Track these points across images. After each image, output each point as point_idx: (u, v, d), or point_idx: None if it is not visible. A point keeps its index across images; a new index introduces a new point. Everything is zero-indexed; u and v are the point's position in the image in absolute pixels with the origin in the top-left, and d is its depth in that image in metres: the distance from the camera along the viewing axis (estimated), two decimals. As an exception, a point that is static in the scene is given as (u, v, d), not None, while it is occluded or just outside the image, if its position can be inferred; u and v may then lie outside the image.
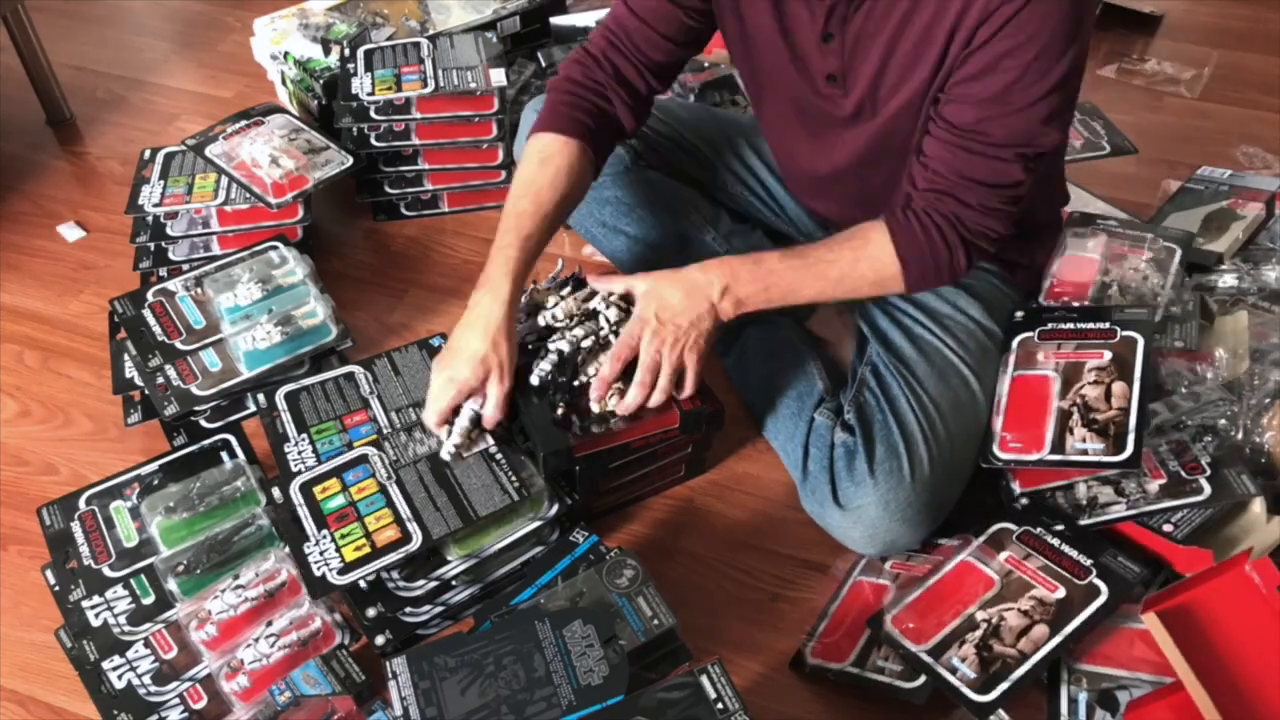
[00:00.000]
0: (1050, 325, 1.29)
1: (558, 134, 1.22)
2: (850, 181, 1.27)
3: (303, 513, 1.16)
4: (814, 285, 1.17)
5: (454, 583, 1.17)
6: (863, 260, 1.16)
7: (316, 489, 1.18)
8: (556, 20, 1.95)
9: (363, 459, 1.20)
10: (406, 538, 1.13)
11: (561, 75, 1.28)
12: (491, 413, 1.17)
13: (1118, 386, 1.20)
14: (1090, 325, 1.27)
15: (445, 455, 1.18)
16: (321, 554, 1.12)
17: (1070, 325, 1.28)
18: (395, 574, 1.15)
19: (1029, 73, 1.03)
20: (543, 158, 1.22)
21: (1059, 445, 1.18)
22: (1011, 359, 1.28)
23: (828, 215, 1.39)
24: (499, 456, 1.19)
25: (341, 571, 1.11)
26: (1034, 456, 1.19)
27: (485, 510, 1.14)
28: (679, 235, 1.38)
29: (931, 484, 1.18)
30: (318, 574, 1.11)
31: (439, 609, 1.17)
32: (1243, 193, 1.60)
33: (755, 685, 1.16)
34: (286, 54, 1.86)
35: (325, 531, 1.14)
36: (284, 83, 1.92)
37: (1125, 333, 1.25)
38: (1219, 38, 2.15)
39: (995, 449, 1.22)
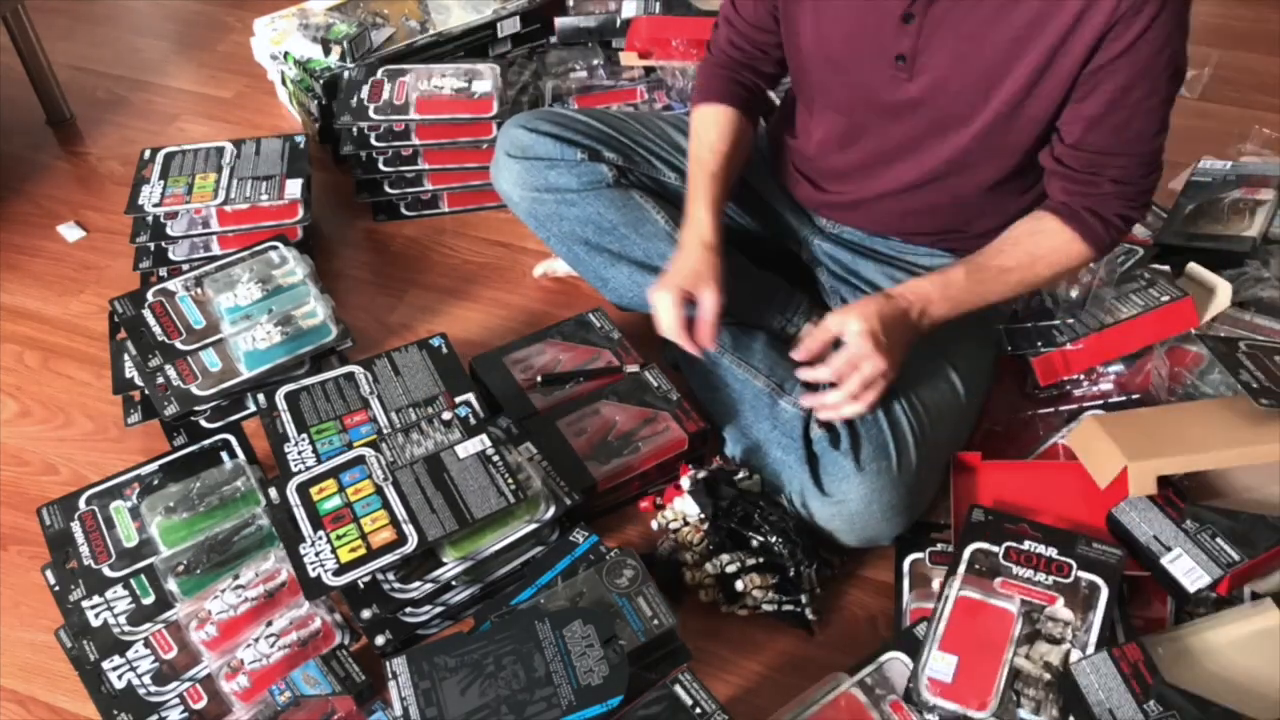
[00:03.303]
0: (1011, 543, 1.15)
1: (713, 103, 1.33)
2: (902, 196, 1.28)
3: (299, 513, 1.16)
4: (997, 293, 1.21)
5: (454, 583, 1.17)
6: (1040, 260, 1.19)
7: (313, 489, 1.18)
8: (562, 21, 1.94)
9: (359, 460, 1.20)
10: (402, 539, 1.13)
11: (707, 57, 1.39)
12: (706, 318, 1.21)
13: (1074, 656, 1.06)
14: (1054, 553, 1.14)
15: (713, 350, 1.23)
16: (317, 555, 1.12)
17: (1036, 547, 1.15)
18: (391, 576, 1.15)
19: (1155, 85, 1.10)
20: (706, 123, 1.33)
21: (1004, 710, 1.04)
22: (960, 569, 1.14)
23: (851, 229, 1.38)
24: (495, 458, 1.19)
25: (337, 573, 1.11)
26: (976, 715, 1.04)
27: (481, 513, 1.14)
28: (661, 253, 1.38)
29: (916, 485, 1.19)
30: (313, 575, 1.11)
31: (439, 609, 1.17)
32: (1250, 180, 1.60)
33: (755, 685, 1.16)
34: (286, 54, 1.86)
35: (321, 532, 1.14)
36: (284, 83, 1.92)
37: (1087, 575, 1.11)
38: (1219, 38, 2.14)
39: (925, 692, 1.06)
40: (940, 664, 1.08)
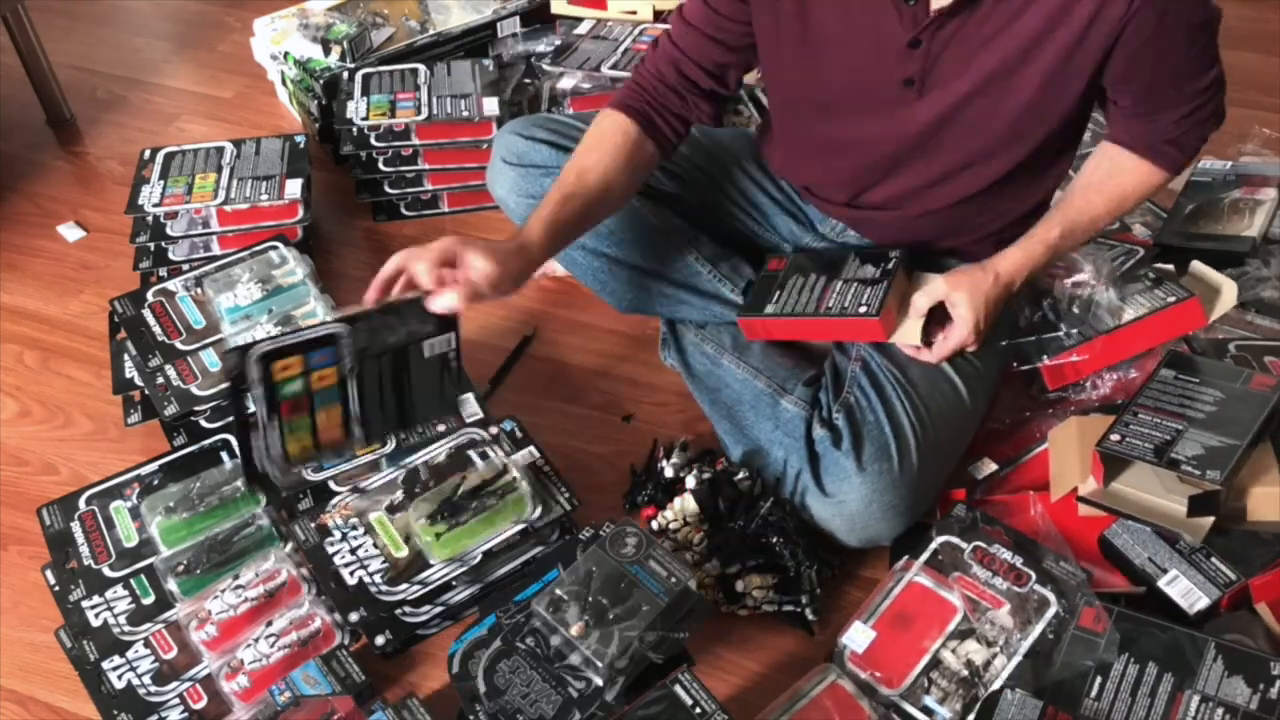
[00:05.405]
0: (981, 543, 1.15)
1: (620, 112, 1.26)
2: (912, 200, 1.28)
3: (257, 392, 1.06)
4: (1087, 239, 1.27)
5: (454, 583, 1.17)
6: (1128, 198, 1.23)
7: (277, 364, 1.06)
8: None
9: (331, 339, 1.08)
10: (349, 439, 1.13)
11: (642, 67, 1.30)
12: (446, 302, 1.10)
13: (998, 661, 1.07)
14: (1019, 561, 1.13)
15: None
16: (266, 446, 1.08)
17: (1002, 552, 1.14)
18: (379, 579, 1.15)
19: (1182, 20, 1.11)
20: (600, 134, 1.26)
21: (912, 693, 1.06)
22: (924, 556, 1.15)
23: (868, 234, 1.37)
24: (453, 363, 1.17)
25: (282, 465, 1.10)
26: (884, 690, 1.06)
27: (423, 416, 1.21)
28: (660, 258, 1.38)
29: (917, 486, 1.19)
30: (258, 465, 1.09)
31: (439, 608, 1.17)
32: (1250, 180, 1.59)
33: (756, 685, 1.16)
34: (286, 54, 1.86)
35: (275, 418, 1.08)
36: (284, 83, 1.93)
37: (1041, 590, 1.10)
38: (1219, 37, 2.14)
39: (846, 659, 1.09)
40: (859, 636, 1.09)
